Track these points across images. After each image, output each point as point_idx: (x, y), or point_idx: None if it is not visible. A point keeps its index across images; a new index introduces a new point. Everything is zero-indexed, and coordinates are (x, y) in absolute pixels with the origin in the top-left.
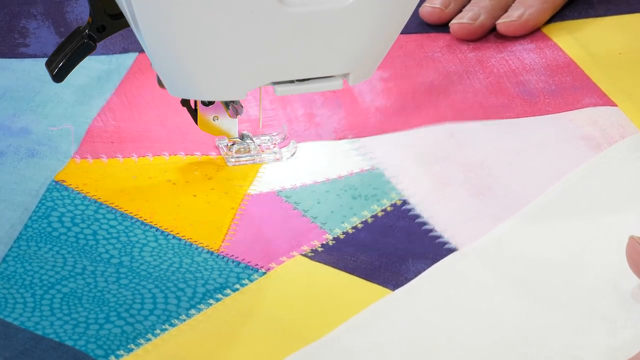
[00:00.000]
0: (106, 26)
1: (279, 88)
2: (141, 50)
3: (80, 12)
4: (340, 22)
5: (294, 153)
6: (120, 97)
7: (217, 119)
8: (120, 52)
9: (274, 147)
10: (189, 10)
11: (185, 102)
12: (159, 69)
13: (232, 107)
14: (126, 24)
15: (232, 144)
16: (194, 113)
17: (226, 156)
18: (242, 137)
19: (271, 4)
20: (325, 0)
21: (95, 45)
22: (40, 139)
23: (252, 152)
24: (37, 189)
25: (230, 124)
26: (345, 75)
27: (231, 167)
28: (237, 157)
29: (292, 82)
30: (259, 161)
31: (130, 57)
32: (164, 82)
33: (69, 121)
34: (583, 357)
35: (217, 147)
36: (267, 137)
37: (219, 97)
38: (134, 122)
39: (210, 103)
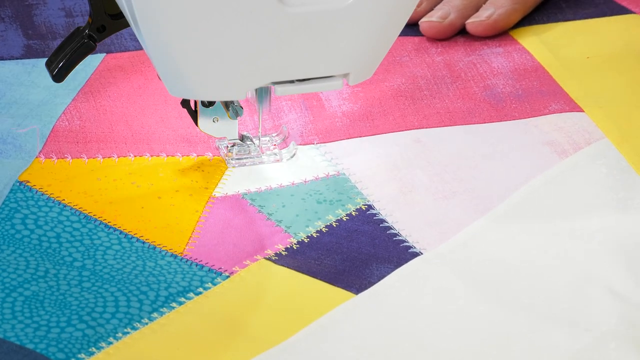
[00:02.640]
0: (106, 26)
1: (279, 88)
2: (108, 51)
3: (48, 16)
4: (340, 22)
5: (294, 154)
6: (87, 96)
7: (217, 121)
8: None
9: (274, 148)
10: (189, 10)
11: (185, 103)
12: (159, 69)
13: (232, 108)
14: (126, 24)
15: (233, 146)
16: (194, 114)
17: (226, 158)
18: (242, 138)
19: (271, 4)
20: (325, 0)
21: (96, 45)
22: (5, 138)
23: (252, 154)
24: (1, 189)
25: (230, 126)
26: (345, 75)
27: (196, 169)
28: (237, 159)
29: (292, 82)
30: (259, 162)
31: (97, 58)
32: (164, 82)
33: (34, 121)
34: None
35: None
36: (267, 138)
37: (218, 97)
38: (99, 122)
39: (210, 104)
